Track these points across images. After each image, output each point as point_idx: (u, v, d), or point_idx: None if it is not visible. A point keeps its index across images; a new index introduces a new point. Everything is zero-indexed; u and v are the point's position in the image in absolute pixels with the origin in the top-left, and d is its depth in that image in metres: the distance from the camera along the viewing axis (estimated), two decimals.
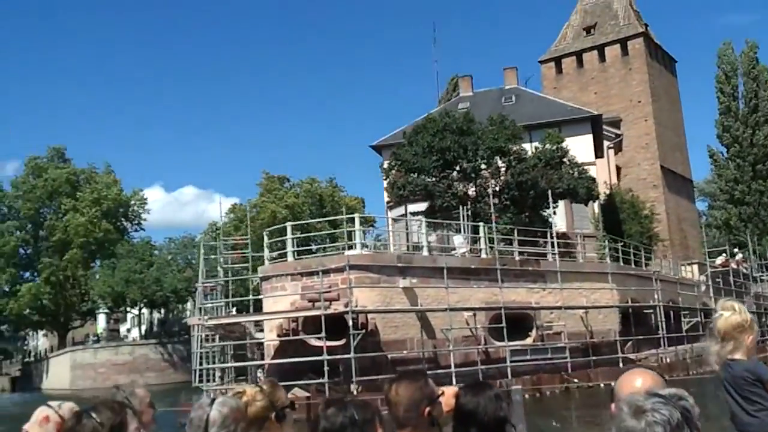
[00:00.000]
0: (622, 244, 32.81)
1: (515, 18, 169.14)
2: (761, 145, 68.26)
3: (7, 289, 61.80)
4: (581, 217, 33.66)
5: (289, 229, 24.14)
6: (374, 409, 2.59)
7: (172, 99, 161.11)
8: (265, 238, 24.08)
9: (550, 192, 27.31)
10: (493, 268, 24.02)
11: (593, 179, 30.29)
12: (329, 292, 21.03)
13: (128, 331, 79.71)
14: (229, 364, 24.03)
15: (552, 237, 26.49)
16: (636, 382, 2.40)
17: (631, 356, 27.61)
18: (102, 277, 56.54)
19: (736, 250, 50.19)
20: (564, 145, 29.52)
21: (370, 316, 21.41)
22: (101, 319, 74.58)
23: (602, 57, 56.01)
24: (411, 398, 2.78)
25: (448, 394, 2.97)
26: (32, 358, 77.12)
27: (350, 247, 23.10)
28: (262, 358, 23.12)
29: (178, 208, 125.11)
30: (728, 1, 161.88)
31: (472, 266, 23.47)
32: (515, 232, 25.70)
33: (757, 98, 70.05)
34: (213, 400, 2.85)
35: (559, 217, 32.39)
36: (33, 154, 65.88)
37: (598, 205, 34.58)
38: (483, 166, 28.30)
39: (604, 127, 42.32)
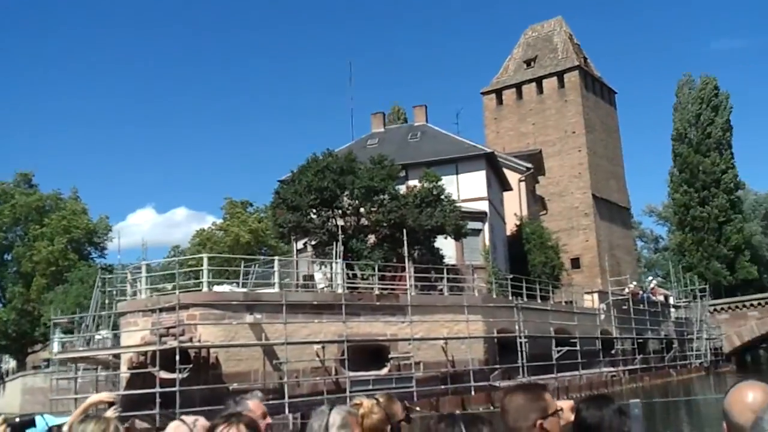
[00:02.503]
0: (511, 277, 34.65)
1: (466, 50, 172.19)
2: (710, 172, 69.91)
3: None
4: (472, 250, 35.39)
5: (205, 261, 25.92)
6: (483, 421, 2.71)
7: (165, 119, 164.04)
8: (129, 274, 26.00)
9: (420, 229, 29.17)
10: (349, 303, 25.85)
11: (462, 216, 32.00)
12: (174, 327, 22.88)
13: None
14: (79, 396, 25.74)
15: (411, 272, 28.33)
16: (747, 396, 2.24)
17: (494, 384, 29.24)
18: (55, 302, 58.55)
19: (650, 278, 51.65)
20: (441, 183, 31.31)
21: (212, 350, 23.24)
22: (55, 344, 76.47)
23: (540, 89, 57.96)
24: (521, 409, 2.80)
25: (566, 408, 2.95)
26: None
27: (209, 285, 24.96)
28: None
29: (169, 229, 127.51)
30: (688, 32, 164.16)
31: (315, 302, 25.31)
32: (376, 268, 27.56)
33: (712, 125, 71.88)
34: (333, 406, 2.99)
35: (450, 250, 34.24)
36: None
37: (489, 237, 36.26)
38: (359, 205, 30.15)
39: (517, 160, 44.19)
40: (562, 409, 2.89)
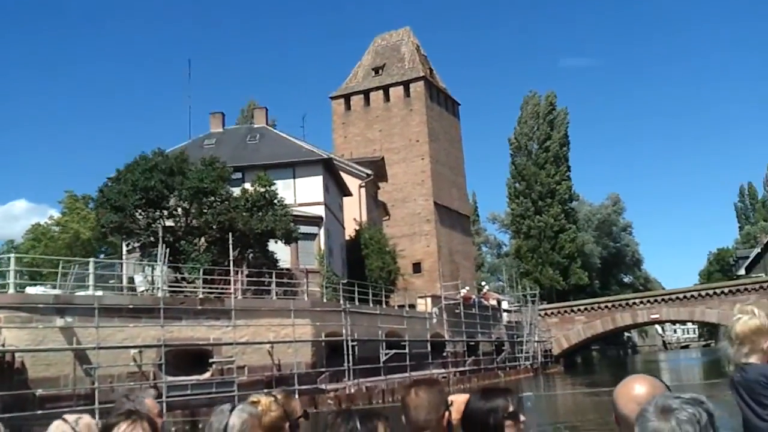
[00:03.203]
0: (345, 281, 35.06)
1: (317, 55, 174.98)
2: (546, 183, 73.66)
3: None
4: (308, 254, 35.55)
5: (12, 261, 24.34)
6: (380, 416, 2.69)
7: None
8: None
9: (251, 233, 28.94)
10: (168, 307, 25.24)
11: (296, 220, 32.12)
12: None
13: None
14: None
15: (243, 276, 28.10)
16: (634, 389, 2.29)
17: (321, 386, 29.47)
18: None
19: (483, 283, 53.86)
20: (274, 187, 31.22)
21: (17, 354, 22.04)
22: None
23: (387, 97, 59.07)
24: (432, 402, 2.86)
25: (458, 402, 2.97)
26: None
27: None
28: None
29: (7, 222, 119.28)
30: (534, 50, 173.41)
31: (131, 305, 24.58)
32: (200, 271, 27.12)
33: (549, 140, 75.73)
34: (233, 407, 2.90)
35: (285, 254, 34.18)
36: None
37: (325, 242, 36.55)
38: (187, 206, 29.55)
39: (358, 166, 44.85)
40: (452, 402, 2.94)
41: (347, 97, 60.15)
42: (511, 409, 2.91)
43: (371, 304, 35.63)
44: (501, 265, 79.05)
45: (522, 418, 2.92)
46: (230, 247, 26.87)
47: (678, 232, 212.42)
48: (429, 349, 39.16)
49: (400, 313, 37.70)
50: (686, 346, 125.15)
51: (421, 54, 61.44)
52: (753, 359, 3.93)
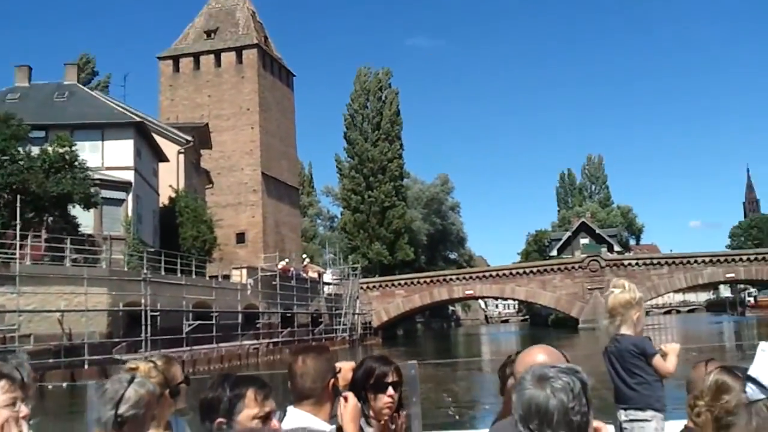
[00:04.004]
0: (153, 250, 34.17)
1: (147, 14, 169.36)
2: (378, 160, 74.85)
3: None
4: (114, 220, 34.29)
5: None
6: (255, 382, 2.63)
7: None
8: None
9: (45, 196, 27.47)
10: None
11: (102, 184, 30.93)
12: None
13: None
14: None
15: (42, 241, 26.69)
16: (536, 357, 2.40)
17: (116, 357, 28.66)
18: None
19: (304, 256, 54.38)
20: (75, 148, 29.76)
21: None
22: None
23: (219, 62, 57.69)
24: (319, 370, 2.85)
25: (345, 369, 3.03)
26: None
27: None
28: None
29: None
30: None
31: None
32: None
33: (381, 117, 76.76)
34: (133, 378, 2.64)
35: (88, 219, 32.75)
36: None
37: (133, 208, 35.38)
38: None
39: (177, 132, 43.65)
40: (341, 369, 3.01)
41: (176, 59, 58.16)
42: (393, 378, 3.07)
43: (179, 274, 34.98)
44: (332, 238, 79.89)
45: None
46: (17, 209, 25.43)
47: (508, 213, 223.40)
48: (241, 320, 39.07)
49: (210, 283, 37.29)
50: (506, 321, 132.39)
51: (256, 21, 60.39)
52: (625, 330, 4.22)
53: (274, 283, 42.82)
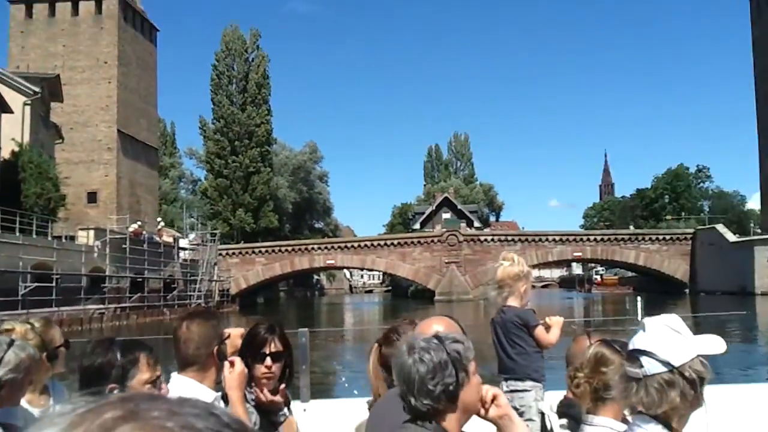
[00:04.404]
0: None
1: None
2: (245, 124, 73.34)
3: None
4: None
5: None
6: (143, 347, 2.59)
7: None
8: None
9: None
10: None
11: None
12: None
13: None
14: None
15: None
16: (432, 327, 2.45)
17: None
18: None
19: (159, 219, 52.79)
20: None
21: None
22: None
23: (76, 10, 54.43)
24: (204, 336, 2.83)
25: (234, 335, 3.00)
26: None
27: None
28: None
29: None
30: None
31: None
32: None
33: (247, 81, 75.05)
34: (12, 342, 2.60)
35: None
36: None
37: None
38: None
39: (23, 82, 40.88)
40: (229, 335, 2.95)
41: (29, 4, 54.30)
42: (273, 348, 2.95)
43: (18, 233, 32.99)
44: (194, 202, 77.86)
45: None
46: None
47: (377, 185, 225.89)
48: (85, 283, 37.39)
49: (51, 244, 35.40)
50: (370, 291, 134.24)
51: None
52: (511, 302, 4.32)
53: (124, 246, 41.16)
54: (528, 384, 4.25)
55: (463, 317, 4.53)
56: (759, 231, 60.43)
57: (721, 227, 59.05)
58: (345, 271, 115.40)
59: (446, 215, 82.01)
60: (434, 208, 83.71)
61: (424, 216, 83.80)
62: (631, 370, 2.05)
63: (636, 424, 2.08)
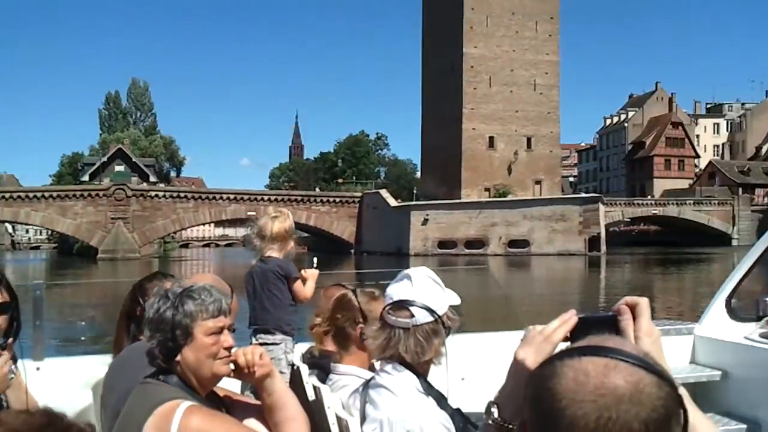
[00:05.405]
0: None
1: None
2: None
3: None
4: None
5: None
6: None
7: None
8: None
9: None
10: None
11: None
12: None
13: None
14: None
15: None
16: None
17: None
18: None
19: None
20: None
21: None
22: None
23: None
24: None
25: None
26: None
27: None
28: None
29: None
30: None
31: None
32: None
33: None
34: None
35: None
36: None
37: None
38: None
39: None
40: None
41: None
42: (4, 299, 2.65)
43: None
44: None
45: None
46: None
47: (47, 131, 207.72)
48: None
49: None
50: (37, 247, 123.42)
51: None
52: (275, 254, 4.18)
53: None
54: (278, 337, 4.16)
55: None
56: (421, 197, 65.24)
57: (384, 192, 62.66)
58: (7, 225, 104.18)
59: (120, 168, 76.93)
60: (106, 159, 77.92)
61: (94, 168, 77.75)
62: (400, 320, 2.10)
63: (384, 371, 2.16)
